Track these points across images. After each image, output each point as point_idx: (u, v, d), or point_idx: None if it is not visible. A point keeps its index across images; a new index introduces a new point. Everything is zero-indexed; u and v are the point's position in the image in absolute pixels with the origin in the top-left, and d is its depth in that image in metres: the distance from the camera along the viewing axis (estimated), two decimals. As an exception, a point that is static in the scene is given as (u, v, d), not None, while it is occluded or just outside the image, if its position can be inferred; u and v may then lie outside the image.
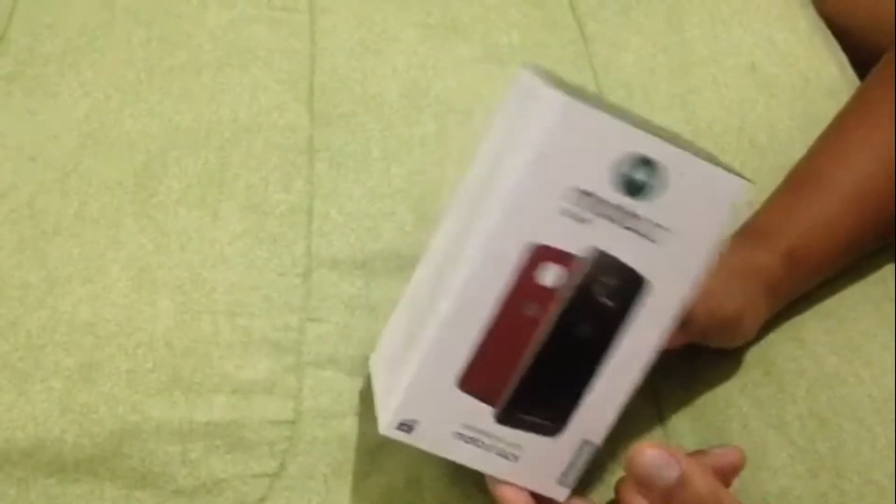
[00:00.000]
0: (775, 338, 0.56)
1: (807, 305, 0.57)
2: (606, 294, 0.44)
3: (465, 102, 0.59)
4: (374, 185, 0.56)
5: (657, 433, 0.54)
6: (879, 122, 0.58)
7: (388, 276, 0.55)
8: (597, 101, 0.44)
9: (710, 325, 0.50)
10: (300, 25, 0.61)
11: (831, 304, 0.57)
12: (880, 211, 0.57)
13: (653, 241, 0.44)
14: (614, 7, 0.65)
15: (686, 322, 0.47)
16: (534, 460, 0.46)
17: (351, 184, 0.56)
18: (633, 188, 0.43)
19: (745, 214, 0.55)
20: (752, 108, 0.63)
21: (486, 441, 0.46)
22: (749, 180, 0.44)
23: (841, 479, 0.52)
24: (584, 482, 0.48)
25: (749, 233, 0.55)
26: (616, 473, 0.51)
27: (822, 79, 0.65)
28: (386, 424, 0.45)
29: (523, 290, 0.44)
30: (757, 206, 0.57)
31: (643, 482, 0.43)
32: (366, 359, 0.52)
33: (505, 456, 0.46)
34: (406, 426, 0.45)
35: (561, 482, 0.47)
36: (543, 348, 0.45)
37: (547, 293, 0.44)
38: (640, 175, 0.43)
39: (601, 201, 0.43)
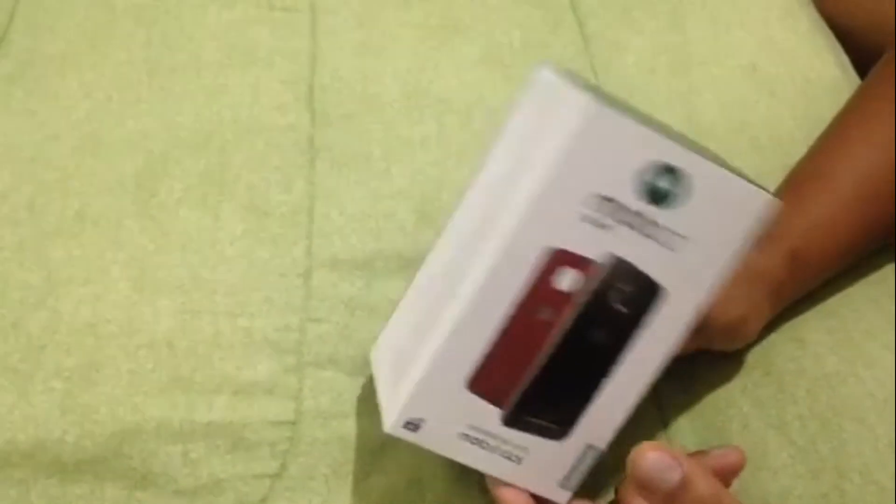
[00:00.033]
0: (776, 338, 0.56)
1: (807, 305, 0.57)
2: (621, 300, 0.44)
3: (466, 103, 0.59)
4: (374, 186, 0.56)
5: (658, 433, 0.54)
6: (880, 122, 0.58)
7: (388, 276, 0.54)
8: (620, 104, 0.44)
9: (715, 331, 0.50)
10: (301, 26, 0.61)
11: (832, 303, 0.57)
12: (882, 211, 0.57)
13: (671, 249, 0.44)
14: (615, 7, 0.65)
15: (692, 329, 0.47)
16: (537, 463, 0.46)
17: (352, 184, 0.56)
18: (656, 196, 0.43)
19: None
20: (753, 109, 0.63)
21: (492, 442, 0.46)
22: (773, 195, 0.44)
23: (842, 479, 0.52)
24: (584, 483, 0.48)
25: None
26: (616, 473, 0.51)
27: (823, 79, 0.65)
28: (392, 422, 0.45)
29: (539, 293, 0.43)
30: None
31: (645, 485, 0.43)
32: (367, 359, 0.52)
33: (509, 458, 0.46)
34: (412, 425, 0.45)
35: (563, 485, 0.47)
36: (555, 352, 0.44)
37: (562, 298, 0.44)
38: (663, 183, 0.43)
39: (623, 208, 0.43)
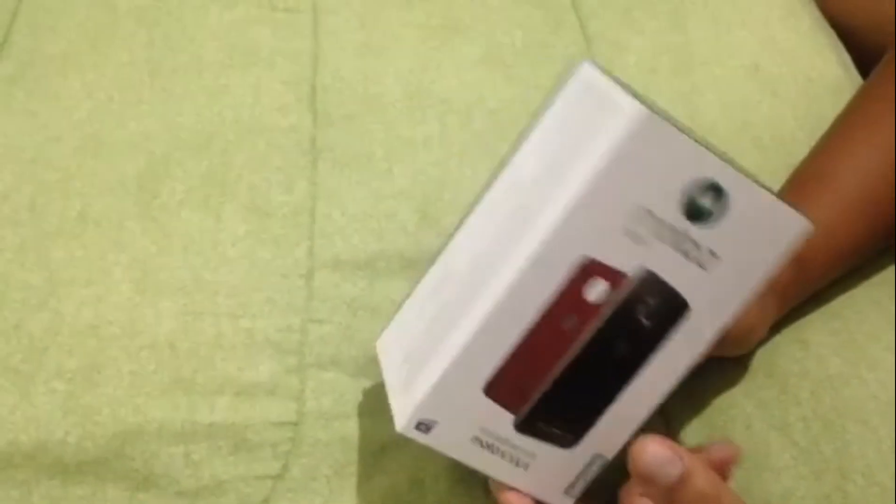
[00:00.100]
0: (779, 340, 0.56)
1: (811, 307, 0.57)
2: (647, 314, 0.43)
3: (468, 102, 0.59)
4: (376, 186, 0.56)
5: (661, 434, 0.54)
6: (882, 123, 0.58)
7: (390, 276, 0.54)
8: (660, 111, 0.42)
9: (724, 340, 0.50)
10: (303, 26, 0.61)
11: (835, 305, 0.57)
12: (886, 213, 0.57)
13: (703, 267, 0.43)
14: (617, 7, 0.65)
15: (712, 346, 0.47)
16: (544, 469, 0.46)
17: (354, 184, 0.56)
18: (697, 213, 0.42)
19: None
20: (755, 109, 0.63)
21: (502, 447, 0.45)
22: (808, 219, 0.43)
23: (845, 480, 0.52)
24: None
25: None
26: (616, 472, 0.51)
27: (825, 78, 0.65)
28: (404, 423, 0.44)
29: (567, 302, 0.42)
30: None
31: (645, 478, 0.43)
32: (369, 360, 0.52)
33: (517, 463, 0.46)
34: (424, 426, 0.44)
35: (567, 492, 0.47)
36: (575, 362, 0.44)
37: (589, 308, 0.43)
38: (705, 201, 0.42)
39: (662, 223, 0.42)
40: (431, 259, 0.49)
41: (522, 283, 0.42)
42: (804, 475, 0.53)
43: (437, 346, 0.44)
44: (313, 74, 0.59)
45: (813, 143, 0.61)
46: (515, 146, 0.46)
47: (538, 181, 0.43)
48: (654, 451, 0.43)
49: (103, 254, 0.53)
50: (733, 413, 0.54)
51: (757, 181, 0.43)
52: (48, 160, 0.56)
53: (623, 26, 0.64)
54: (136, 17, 0.61)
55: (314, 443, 0.52)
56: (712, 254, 0.43)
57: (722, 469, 0.46)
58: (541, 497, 0.47)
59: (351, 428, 0.52)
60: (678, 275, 0.43)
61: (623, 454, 0.46)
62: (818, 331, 0.56)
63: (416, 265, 0.54)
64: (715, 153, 0.41)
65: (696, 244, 0.42)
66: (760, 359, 0.56)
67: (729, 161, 0.42)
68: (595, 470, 0.47)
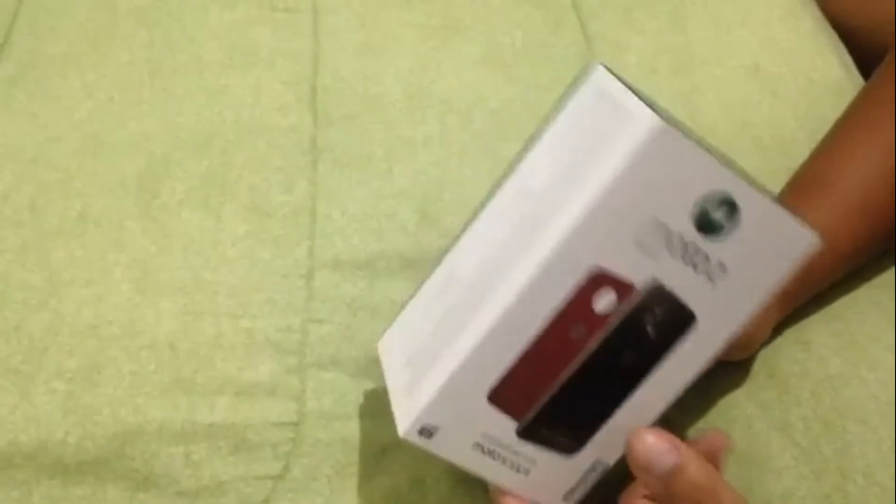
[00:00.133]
0: (780, 341, 0.56)
1: (812, 308, 0.57)
2: (654, 325, 0.43)
3: (468, 103, 0.59)
4: (377, 186, 0.56)
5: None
6: (883, 125, 0.58)
7: (391, 276, 0.54)
8: (672, 119, 0.42)
9: (730, 349, 0.50)
10: (303, 27, 0.61)
11: (836, 307, 0.57)
12: (887, 216, 0.57)
13: (711, 280, 0.43)
14: (617, 7, 0.65)
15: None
16: (545, 475, 0.46)
17: (354, 185, 0.56)
18: (709, 227, 0.41)
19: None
20: (755, 109, 0.63)
21: (503, 453, 0.45)
22: (818, 233, 0.43)
23: (845, 480, 0.52)
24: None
25: None
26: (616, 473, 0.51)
27: (826, 79, 0.65)
28: (406, 428, 0.44)
29: (575, 311, 0.42)
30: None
31: (641, 467, 0.44)
32: (369, 360, 0.52)
33: (517, 469, 0.45)
34: (427, 431, 0.44)
35: (566, 498, 0.47)
36: (580, 371, 0.43)
37: (597, 318, 0.42)
38: (719, 215, 0.41)
39: (674, 235, 0.41)
40: (435, 261, 0.49)
41: (532, 289, 0.41)
42: (805, 475, 0.53)
43: (443, 350, 0.44)
44: (313, 74, 0.59)
45: (813, 143, 0.61)
46: (524, 150, 0.46)
47: (549, 188, 0.43)
48: (651, 441, 0.44)
49: (103, 254, 0.53)
50: (734, 413, 0.54)
51: (768, 194, 0.43)
52: (48, 160, 0.56)
53: (623, 26, 0.64)
54: (136, 17, 0.61)
55: (315, 443, 0.52)
56: (721, 267, 0.42)
57: (714, 459, 0.47)
58: (540, 502, 0.47)
59: (352, 428, 0.52)
60: (686, 287, 0.43)
61: (622, 459, 0.46)
62: (819, 331, 0.56)
63: (417, 265, 0.54)
64: (727, 165, 0.41)
65: (706, 257, 0.42)
66: (762, 360, 0.56)
67: (740, 172, 0.42)
68: (596, 476, 0.47)
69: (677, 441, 0.44)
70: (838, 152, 0.59)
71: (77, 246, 0.53)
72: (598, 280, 0.42)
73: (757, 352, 0.55)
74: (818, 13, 0.69)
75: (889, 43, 0.64)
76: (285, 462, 0.52)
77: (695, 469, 0.44)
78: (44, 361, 0.51)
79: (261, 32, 0.60)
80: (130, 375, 0.51)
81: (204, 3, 0.61)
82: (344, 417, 0.52)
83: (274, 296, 0.53)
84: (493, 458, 0.45)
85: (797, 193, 0.57)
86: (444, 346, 0.44)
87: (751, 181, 0.42)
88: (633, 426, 0.45)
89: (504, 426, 0.44)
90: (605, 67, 0.44)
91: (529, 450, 0.45)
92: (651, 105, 0.41)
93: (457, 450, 0.45)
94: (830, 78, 0.65)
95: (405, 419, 0.44)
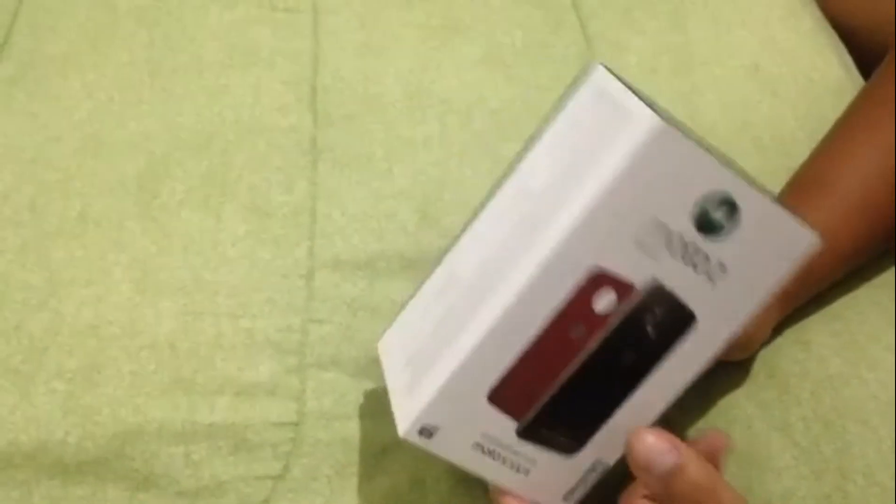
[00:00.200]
0: (780, 341, 0.56)
1: (812, 308, 0.57)
2: (654, 325, 0.43)
3: (468, 103, 0.59)
4: (377, 186, 0.56)
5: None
6: (883, 125, 0.58)
7: (391, 276, 0.54)
8: (673, 119, 0.42)
9: (730, 348, 0.50)
10: (303, 26, 0.61)
11: (837, 307, 0.57)
12: (887, 216, 0.57)
13: (711, 280, 0.43)
14: (617, 7, 0.65)
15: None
16: (545, 475, 0.46)
17: (354, 185, 0.56)
18: (708, 227, 0.42)
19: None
20: (755, 109, 0.63)
21: (503, 453, 0.45)
22: (818, 233, 0.43)
23: (845, 480, 0.52)
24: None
25: None
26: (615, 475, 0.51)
27: (826, 79, 0.65)
28: (406, 428, 0.44)
29: (575, 311, 0.42)
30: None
31: (642, 467, 0.44)
32: (370, 360, 0.52)
33: (517, 469, 0.45)
34: (427, 431, 0.44)
35: (566, 498, 0.47)
36: (580, 371, 0.43)
37: (597, 318, 0.42)
38: (718, 215, 0.41)
39: (674, 235, 0.41)
40: (435, 261, 0.49)
41: (532, 289, 0.41)
42: (805, 475, 0.53)
43: (443, 350, 0.44)
44: (313, 74, 0.59)
45: (813, 143, 0.61)
46: (524, 150, 0.46)
47: (549, 188, 0.43)
48: (651, 441, 0.44)
49: (103, 254, 0.53)
50: (734, 413, 0.54)
51: (768, 194, 0.43)
52: (48, 160, 0.56)
53: (623, 26, 0.64)
54: (136, 17, 0.61)
55: (315, 443, 0.52)
56: (721, 267, 0.42)
57: (714, 459, 0.47)
58: (539, 502, 0.47)
59: (352, 428, 0.52)
60: (686, 287, 0.43)
61: (622, 459, 0.46)
62: (819, 331, 0.56)
63: (417, 265, 0.54)
64: (727, 165, 0.41)
65: (706, 257, 0.42)
66: (762, 360, 0.56)
67: (740, 172, 0.42)
68: (596, 476, 0.47)
69: (677, 441, 0.44)
70: (838, 152, 0.59)
71: (77, 246, 0.53)
72: (598, 280, 0.42)
73: (757, 352, 0.55)
74: (818, 13, 0.69)
75: (889, 43, 0.64)
76: (285, 462, 0.52)
77: (695, 469, 0.44)
78: (44, 361, 0.51)
79: (261, 32, 0.60)
80: (130, 375, 0.51)
81: (204, 3, 0.61)
82: (344, 417, 0.52)
83: (274, 296, 0.53)
84: (493, 458, 0.45)
85: (797, 193, 0.57)
86: (444, 346, 0.44)
87: (751, 181, 0.42)
88: (633, 426, 0.45)
89: (504, 426, 0.44)
90: (605, 67, 0.44)
91: (529, 450, 0.45)
92: (651, 105, 0.41)
93: (457, 450, 0.45)
94: (830, 78, 0.65)
95: (405, 419, 0.44)
